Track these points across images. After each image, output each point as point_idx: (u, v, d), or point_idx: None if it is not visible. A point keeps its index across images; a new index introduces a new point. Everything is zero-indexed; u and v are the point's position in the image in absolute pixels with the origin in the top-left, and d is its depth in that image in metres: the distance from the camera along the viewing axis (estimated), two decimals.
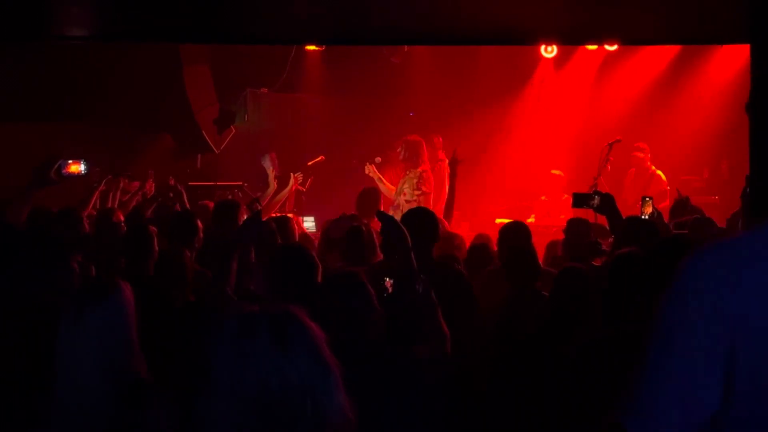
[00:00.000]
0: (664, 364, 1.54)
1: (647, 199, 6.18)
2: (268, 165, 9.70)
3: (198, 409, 1.62)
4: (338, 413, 1.64)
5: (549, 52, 10.95)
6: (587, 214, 6.34)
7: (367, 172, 9.35)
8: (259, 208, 6.69)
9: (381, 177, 9.16)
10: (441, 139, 9.97)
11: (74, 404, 2.43)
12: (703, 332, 1.50)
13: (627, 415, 1.58)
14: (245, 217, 6.39)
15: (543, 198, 10.32)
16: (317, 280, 3.60)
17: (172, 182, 8.15)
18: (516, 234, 5.37)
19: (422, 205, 8.44)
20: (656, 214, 6.10)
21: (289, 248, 4.01)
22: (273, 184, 9.03)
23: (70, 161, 5.50)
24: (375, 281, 4.18)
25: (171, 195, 7.74)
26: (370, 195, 8.01)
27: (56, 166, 5.40)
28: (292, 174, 9.03)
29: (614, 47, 10.09)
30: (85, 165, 5.58)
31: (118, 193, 7.49)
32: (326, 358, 1.67)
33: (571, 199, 5.85)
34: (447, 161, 9.05)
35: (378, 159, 9.59)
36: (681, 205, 6.63)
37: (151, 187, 8.03)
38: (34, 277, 3.49)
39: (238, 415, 1.58)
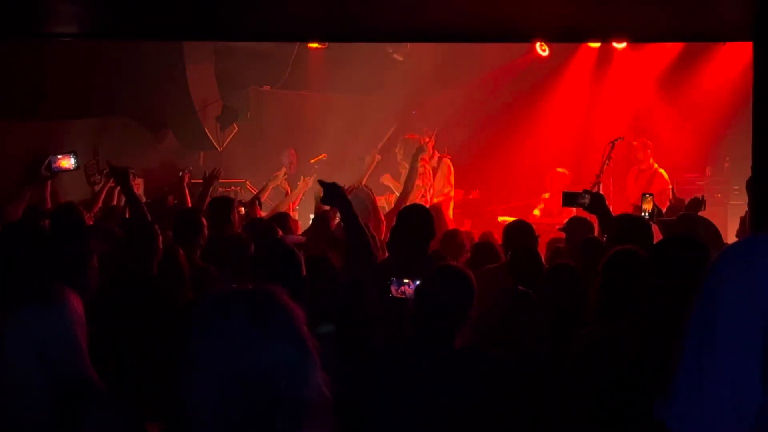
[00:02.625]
0: (709, 357, 1.57)
1: (647, 195, 6.12)
2: (287, 161, 9.72)
3: (178, 391, 1.61)
4: (316, 392, 1.62)
5: (543, 50, 10.89)
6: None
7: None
8: (259, 205, 6.70)
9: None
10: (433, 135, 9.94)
11: (12, 409, 2.41)
12: (742, 321, 1.54)
13: (676, 419, 1.58)
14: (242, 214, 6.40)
15: (546, 195, 10.32)
16: (302, 274, 3.61)
17: (187, 179, 8.01)
18: (521, 232, 5.35)
19: (417, 198, 8.49)
20: (656, 211, 6.06)
21: (272, 243, 4.02)
22: (280, 179, 9.01)
23: (59, 156, 5.52)
24: (379, 280, 4.19)
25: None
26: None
27: (46, 162, 5.41)
28: (302, 177, 9.03)
29: (619, 45, 10.10)
30: (74, 159, 5.59)
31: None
32: (303, 338, 1.65)
33: None
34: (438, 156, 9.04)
35: (378, 156, 9.61)
36: (696, 204, 6.32)
37: (139, 189, 7.89)
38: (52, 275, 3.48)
39: (216, 395, 1.58)
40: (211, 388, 1.58)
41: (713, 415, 1.55)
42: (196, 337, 1.63)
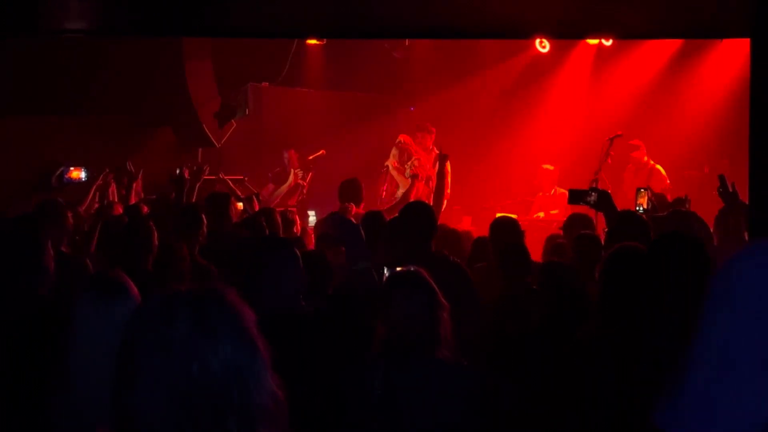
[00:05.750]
0: (724, 375, 1.48)
1: (642, 190, 6.08)
2: (286, 162, 9.75)
3: (123, 400, 1.53)
4: (267, 395, 1.55)
5: (543, 47, 10.89)
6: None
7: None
8: (257, 202, 6.69)
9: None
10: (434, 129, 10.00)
11: (91, 395, 2.42)
12: (757, 336, 1.46)
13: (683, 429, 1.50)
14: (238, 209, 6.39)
15: (542, 194, 10.33)
16: (301, 273, 3.58)
17: (186, 173, 7.94)
18: (505, 229, 5.36)
19: (415, 187, 8.55)
20: (651, 206, 6.03)
21: (271, 242, 3.99)
22: (291, 180, 9.04)
23: (71, 168, 5.58)
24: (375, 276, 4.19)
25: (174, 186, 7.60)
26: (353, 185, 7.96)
27: (58, 173, 5.46)
28: (292, 170, 9.01)
29: (606, 42, 10.11)
30: (86, 172, 5.66)
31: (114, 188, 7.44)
32: (253, 340, 1.56)
33: (562, 193, 5.81)
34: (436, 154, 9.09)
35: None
36: (679, 202, 6.40)
37: (138, 185, 7.87)
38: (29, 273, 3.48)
39: (164, 405, 1.49)
40: (159, 398, 1.49)
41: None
42: (139, 345, 1.53)
